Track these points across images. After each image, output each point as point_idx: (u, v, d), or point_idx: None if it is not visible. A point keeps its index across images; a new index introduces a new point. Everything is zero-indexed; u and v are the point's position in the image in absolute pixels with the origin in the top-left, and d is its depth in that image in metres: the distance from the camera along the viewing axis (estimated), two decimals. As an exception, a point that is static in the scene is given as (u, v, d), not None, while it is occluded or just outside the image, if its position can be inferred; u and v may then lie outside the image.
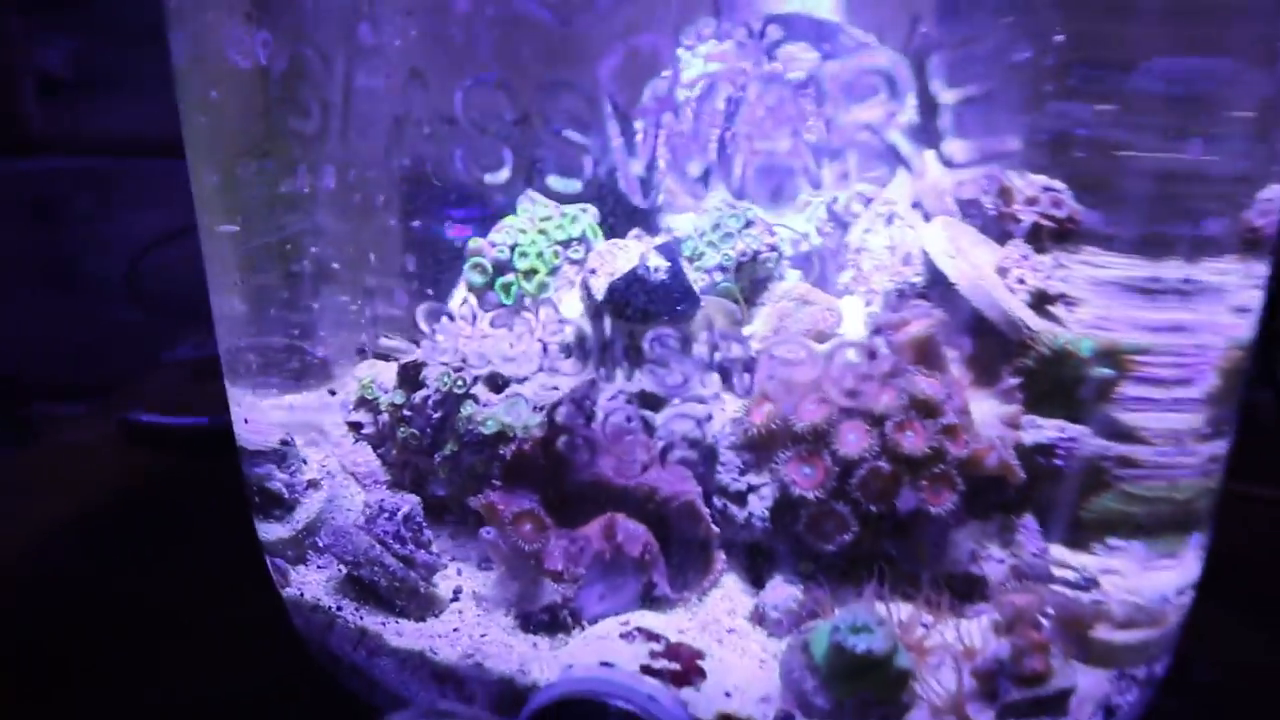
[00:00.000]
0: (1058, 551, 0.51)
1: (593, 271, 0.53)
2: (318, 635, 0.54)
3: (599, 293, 0.52)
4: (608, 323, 0.51)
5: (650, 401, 0.52)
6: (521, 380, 0.53)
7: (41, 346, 1.36)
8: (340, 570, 0.54)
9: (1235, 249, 0.45)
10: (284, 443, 0.58)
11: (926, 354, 0.53)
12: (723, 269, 0.59)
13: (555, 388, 0.52)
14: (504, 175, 0.42)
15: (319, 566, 0.56)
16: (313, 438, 0.59)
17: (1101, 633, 0.48)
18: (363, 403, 0.61)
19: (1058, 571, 0.53)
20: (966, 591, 0.51)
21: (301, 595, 0.54)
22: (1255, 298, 0.46)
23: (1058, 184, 0.58)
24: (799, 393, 0.50)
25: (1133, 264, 0.47)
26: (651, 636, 0.48)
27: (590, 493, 0.51)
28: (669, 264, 0.52)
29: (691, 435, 0.50)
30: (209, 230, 0.53)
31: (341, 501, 0.57)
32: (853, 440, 0.50)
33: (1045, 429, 0.55)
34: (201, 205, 0.52)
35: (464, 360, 0.53)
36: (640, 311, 0.51)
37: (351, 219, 0.52)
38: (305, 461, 0.58)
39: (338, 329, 0.58)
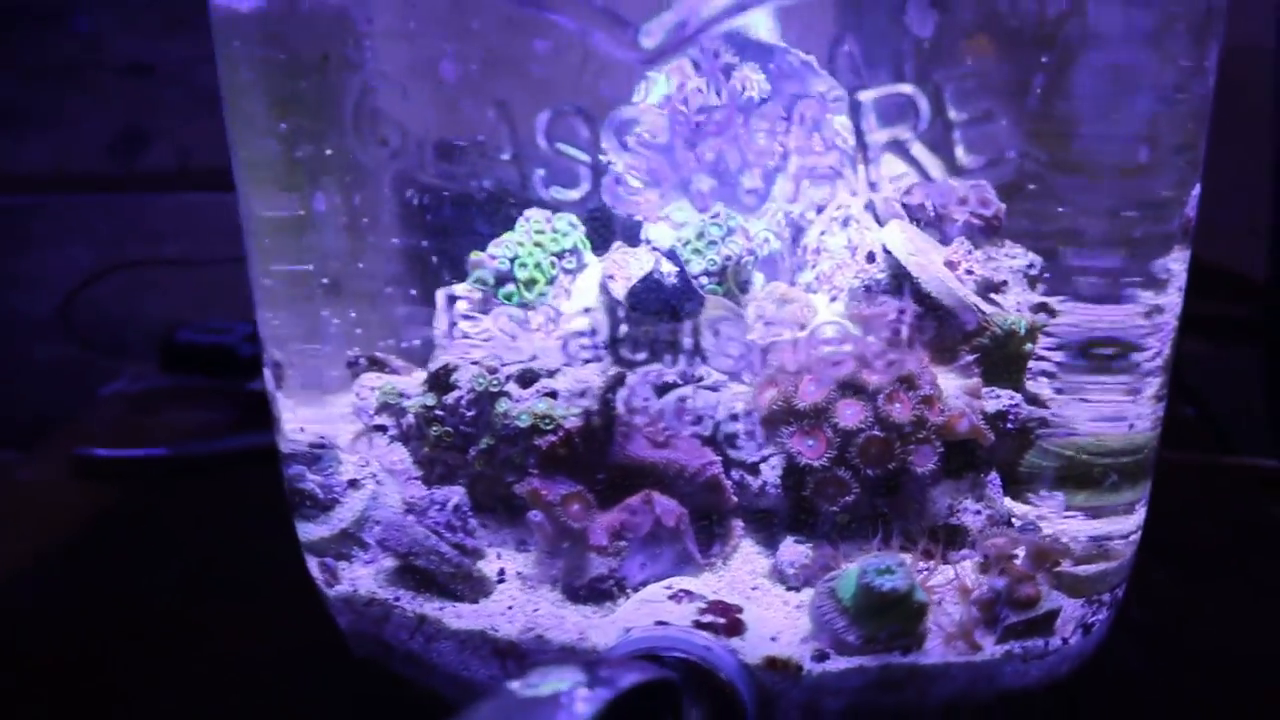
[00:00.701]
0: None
1: (611, 277, 0.59)
2: (371, 628, 0.58)
3: (619, 294, 0.58)
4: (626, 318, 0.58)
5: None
6: (551, 374, 0.59)
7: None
8: (390, 562, 0.58)
9: (1182, 240, 0.54)
10: (318, 445, 0.62)
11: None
12: (708, 274, 0.66)
13: (590, 380, 0.58)
14: (579, 192, 0.48)
15: (365, 562, 0.60)
16: (349, 439, 0.63)
17: (1070, 567, 0.56)
18: (385, 407, 0.65)
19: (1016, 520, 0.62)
20: (950, 540, 0.59)
21: (355, 590, 0.58)
22: (1184, 278, 0.56)
23: (983, 182, 0.67)
24: (804, 374, 0.58)
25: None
26: (695, 597, 0.54)
27: (625, 472, 0.57)
28: (678, 269, 0.59)
29: (737, 412, 0.57)
30: (260, 249, 0.56)
31: (383, 498, 0.61)
32: (850, 414, 0.58)
33: (1001, 398, 0.63)
34: (256, 230, 0.56)
35: (533, 357, 0.58)
36: (658, 310, 0.58)
37: (413, 237, 0.57)
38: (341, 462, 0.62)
39: (387, 338, 0.62)
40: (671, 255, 0.59)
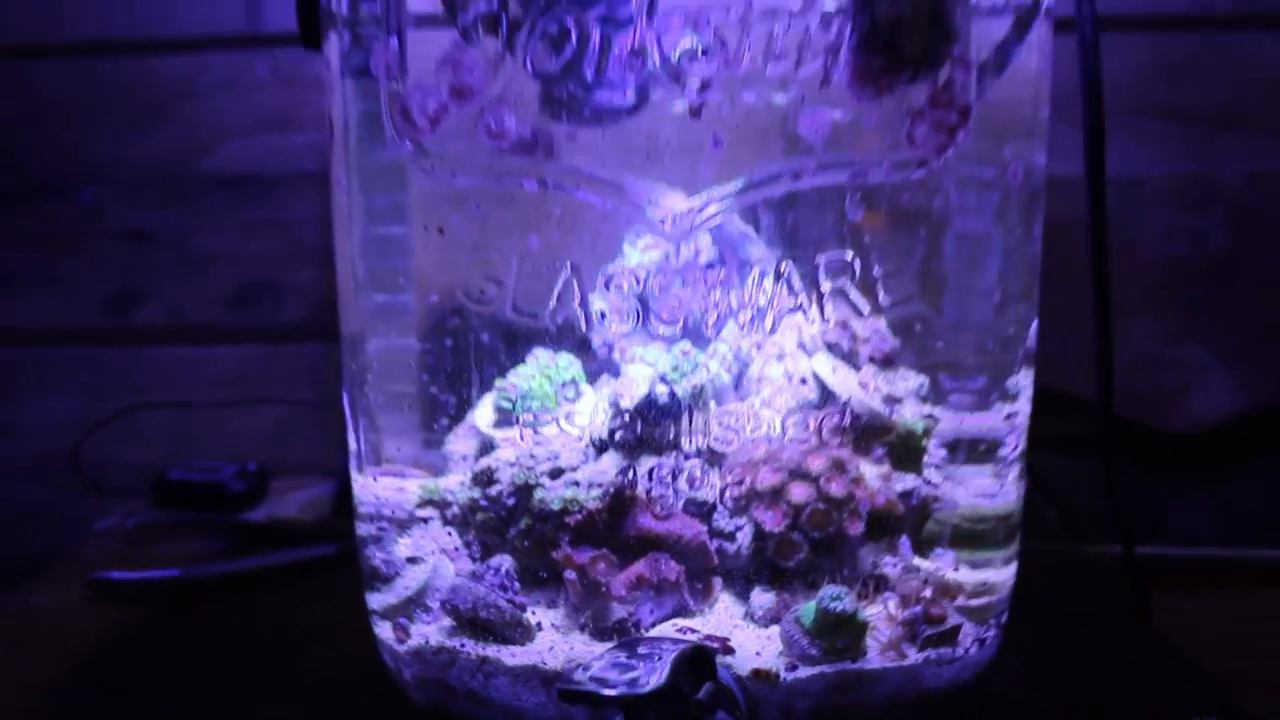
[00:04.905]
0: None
1: (621, 395, 0.79)
2: (437, 673, 0.73)
3: (628, 407, 0.77)
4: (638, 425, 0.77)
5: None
6: (574, 469, 0.77)
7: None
8: (448, 622, 0.74)
9: (1027, 363, 0.78)
10: (382, 528, 0.78)
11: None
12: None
13: (604, 472, 0.76)
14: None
15: (426, 622, 0.75)
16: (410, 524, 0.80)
17: (966, 601, 0.77)
18: (428, 502, 0.82)
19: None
20: (878, 585, 0.78)
21: (426, 642, 0.73)
22: (1030, 391, 0.80)
23: (882, 324, 0.90)
24: (760, 466, 0.78)
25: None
26: (695, 631, 0.72)
27: (636, 540, 0.75)
28: (668, 389, 0.79)
29: (715, 494, 0.76)
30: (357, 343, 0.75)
31: (442, 570, 0.77)
32: (799, 492, 0.78)
33: (906, 481, 0.84)
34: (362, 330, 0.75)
35: (557, 456, 0.76)
36: (656, 418, 0.77)
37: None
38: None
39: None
40: (663, 379, 0.79)
